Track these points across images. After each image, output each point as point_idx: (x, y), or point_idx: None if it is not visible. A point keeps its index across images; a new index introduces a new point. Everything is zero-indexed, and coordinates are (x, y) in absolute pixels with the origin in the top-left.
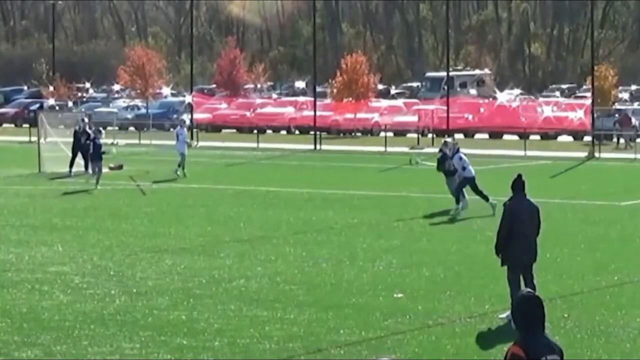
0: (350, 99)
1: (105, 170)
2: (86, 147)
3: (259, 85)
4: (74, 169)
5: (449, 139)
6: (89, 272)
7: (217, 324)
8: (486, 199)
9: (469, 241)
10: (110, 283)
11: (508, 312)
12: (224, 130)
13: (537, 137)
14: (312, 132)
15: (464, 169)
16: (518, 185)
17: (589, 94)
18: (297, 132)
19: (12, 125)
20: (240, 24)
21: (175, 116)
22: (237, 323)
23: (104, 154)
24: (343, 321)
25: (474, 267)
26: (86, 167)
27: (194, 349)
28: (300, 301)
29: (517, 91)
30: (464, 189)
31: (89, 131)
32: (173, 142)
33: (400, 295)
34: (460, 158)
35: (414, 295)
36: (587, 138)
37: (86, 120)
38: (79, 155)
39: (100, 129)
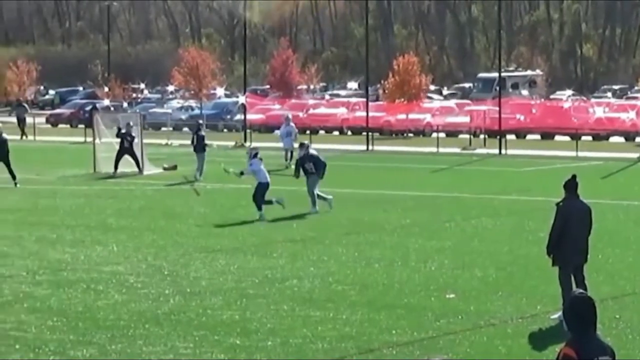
0: (403, 99)
1: (159, 170)
2: (131, 149)
3: (311, 86)
4: (126, 170)
5: (305, 142)
6: (143, 271)
7: (270, 323)
8: (259, 208)
9: (521, 242)
10: (164, 283)
11: (560, 313)
12: (276, 131)
13: (589, 138)
14: (364, 133)
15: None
16: (571, 185)
17: None
18: (349, 132)
19: (68, 126)
20: (293, 25)
21: (228, 117)
22: (289, 323)
23: (207, 147)
24: (395, 321)
25: (526, 267)
26: (138, 167)
27: (247, 348)
28: (352, 301)
29: (569, 92)
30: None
31: (134, 134)
32: (227, 143)
33: (452, 295)
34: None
35: (465, 295)
36: (639, 139)
37: (131, 123)
38: (127, 156)
39: (200, 121)
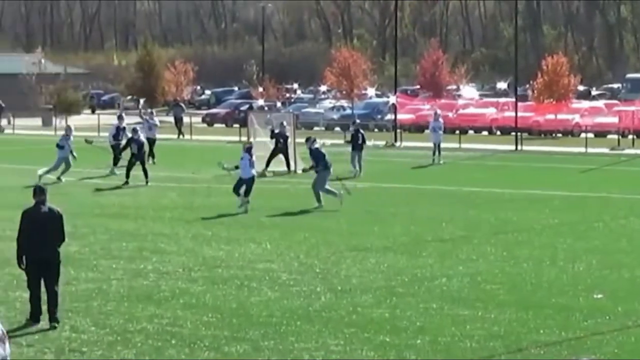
0: (551, 99)
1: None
2: (285, 149)
3: (461, 86)
4: (277, 169)
5: (311, 136)
6: (295, 269)
7: (419, 322)
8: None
9: None
10: (315, 280)
11: None
12: (426, 131)
13: None
14: (513, 133)
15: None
16: None
17: None
18: (498, 132)
19: (223, 125)
20: (444, 26)
21: (379, 116)
22: (438, 321)
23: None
24: (543, 321)
25: None
26: (288, 167)
27: (396, 346)
28: (500, 300)
29: None
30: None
31: (288, 134)
32: (377, 143)
33: (600, 296)
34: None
35: (613, 296)
36: None
37: (285, 123)
38: (281, 155)
39: (358, 120)
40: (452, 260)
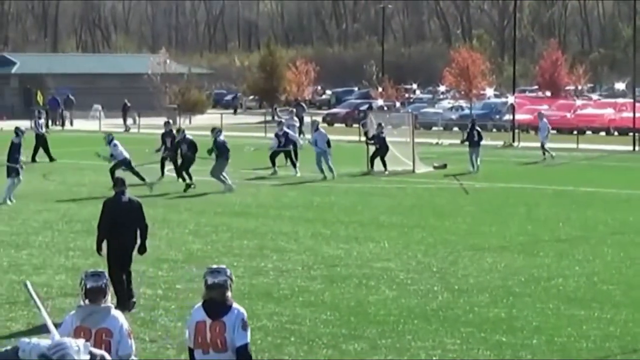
0: None
1: (430, 169)
2: (384, 149)
3: (579, 87)
4: (396, 169)
5: (215, 127)
6: (413, 268)
7: (536, 322)
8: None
9: None
10: (433, 279)
11: None
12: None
13: None
14: (630, 134)
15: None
16: None
17: None
18: (616, 133)
19: (343, 125)
20: (562, 26)
21: (497, 117)
22: (554, 321)
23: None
24: None
25: None
26: (384, 166)
27: (512, 346)
28: (617, 301)
29: None
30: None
31: (384, 134)
32: (495, 143)
33: None
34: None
35: None
36: None
37: (383, 124)
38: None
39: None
40: (568, 261)
